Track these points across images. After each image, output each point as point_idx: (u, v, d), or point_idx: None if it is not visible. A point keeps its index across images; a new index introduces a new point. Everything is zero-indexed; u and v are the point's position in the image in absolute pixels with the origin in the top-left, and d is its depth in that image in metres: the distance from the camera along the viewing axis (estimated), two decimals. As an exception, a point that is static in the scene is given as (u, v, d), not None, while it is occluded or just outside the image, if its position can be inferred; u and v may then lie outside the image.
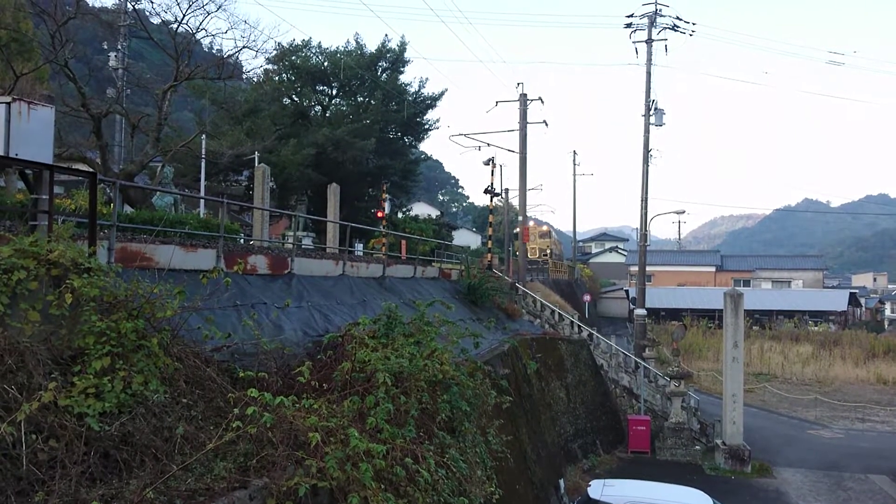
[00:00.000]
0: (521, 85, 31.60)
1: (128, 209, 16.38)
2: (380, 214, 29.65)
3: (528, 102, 31.33)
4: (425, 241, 28.93)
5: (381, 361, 7.82)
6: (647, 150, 31.59)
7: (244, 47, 20.54)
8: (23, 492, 4.51)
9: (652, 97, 31.83)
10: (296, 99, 36.99)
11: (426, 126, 40.37)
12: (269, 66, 34.04)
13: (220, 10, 24.00)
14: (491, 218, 32.89)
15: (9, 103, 7.03)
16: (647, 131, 31.65)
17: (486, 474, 8.59)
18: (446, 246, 33.95)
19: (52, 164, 7.51)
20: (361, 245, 27.62)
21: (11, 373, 5.16)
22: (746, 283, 67.12)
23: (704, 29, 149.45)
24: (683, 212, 53.33)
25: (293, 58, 35.62)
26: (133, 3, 23.91)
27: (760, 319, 54.01)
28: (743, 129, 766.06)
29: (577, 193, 76.44)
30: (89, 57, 25.82)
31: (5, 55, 17.12)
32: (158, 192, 17.96)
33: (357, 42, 37.97)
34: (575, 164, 61.55)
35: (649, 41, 32.01)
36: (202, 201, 27.06)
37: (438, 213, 62.89)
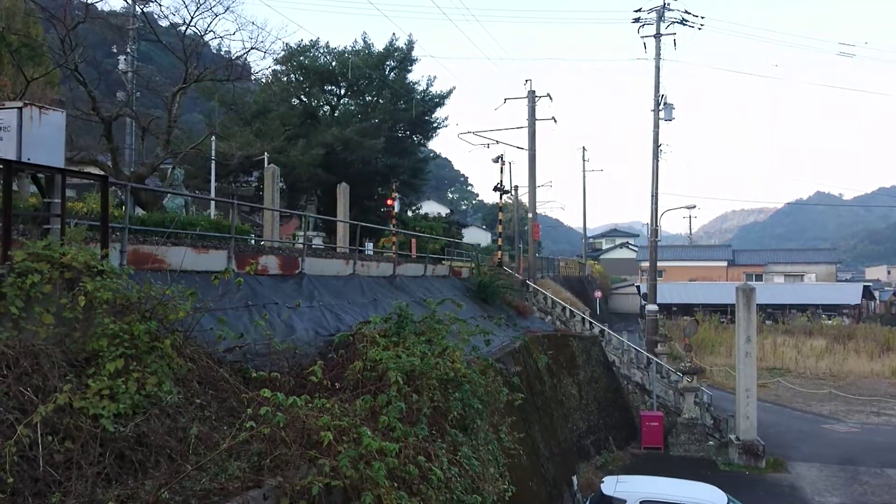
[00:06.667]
0: (529, 82, 31.60)
1: (139, 211, 16.48)
2: (389, 202, 29.68)
3: (537, 99, 31.27)
4: (435, 240, 28.92)
5: (392, 360, 7.84)
6: (656, 146, 31.43)
7: (252, 49, 20.61)
8: (40, 493, 4.56)
9: (661, 92, 31.65)
10: (304, 99, 37.06)
11: (435, 124, 40.35)
12: (278, 67, 34.21)
13: (227, 11, 24.05)
14: (501, 215, 32.89)
15: (20, 108, 7.08)
16: (656, 126, 31.49)
17: (499, 472, 8.59)
18: (456, 244, 33.93)
19: (63, 167, 7.56)
20: (371, 244, 27.65)
21: (27, 375, 5.21)
22: (758, 278, 66.68)
23: (713, 22, 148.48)
24: (694, 207, 53.31)
25: (301, 58, 35.68)
26: (142, 7, 24.03)
27: (773, 314, 53.66)
28: (753, 123, 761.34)
29: (587, 189, 76.30)
30: (99, 61, 25.97)
31: (16, 60, 17.26)
32: (169, 195, 18.06)
33: (365, 41, 38.01)
34: (584, 161, 61.51)
35: (657, 36, 31.83)
36: (213, 203, 27.19)
37: (448, 211, 62.88)
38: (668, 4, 31.85)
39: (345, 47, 37.59)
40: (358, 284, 14.79)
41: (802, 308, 55.65)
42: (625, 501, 12.17)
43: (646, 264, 39.60)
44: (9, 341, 5.35)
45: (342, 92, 37.91)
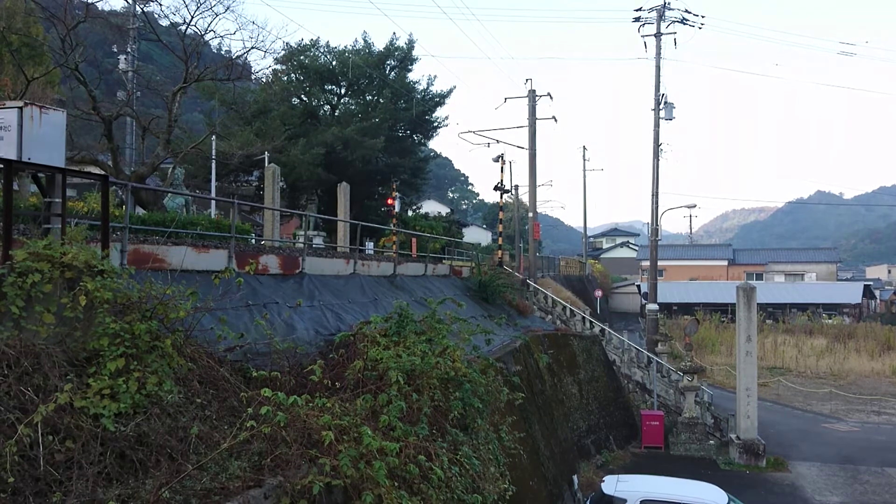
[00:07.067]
0: (529, 81, 31.60)
1: (140, 211, 16.48)
2: (389, 201, 29.68)
3: (537, 98, 31.27)
4: (436, 239, 28.92)
5: (392, 359, 7.84)
6: (657, 145, 31.42)
7: (252, 48, 20.74)
8: (41, 492, 4.56)
9: (661, 91, 31.64)
10: (305, 99, 37.05)
11: (435, 124, 40.32)
12: (278, 67, 34.13)
13: (227, 11, 24.13)
14: (501, 215, 32.87)
15: (21, 107, 7.09)
16: (657, 125, 31.48)
17: (500, 471, 8.58)
18: (457, 243, 33.94)
19: (64, 167, 7.56)
20: (372, 244, 27.65)
21: (28, 375, 5.22)
22: (759, 277, 66.69)
23: (714, 21, 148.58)
24: (694, 206, 53.43)
25: (301, 58, 35.67)
26: (142, 6, 24.04)
27: (774, 313, 53.70)
28: (754, 122, 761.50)
29: (588, 189, 76.28)
30: (99, 60, 26.00)
31: (17, 60, 17.28)
32: (170, 194, 18.05)
33: (365, 41, 37.99)
34: (585, 160, 61.44)
35: (658, 35, 31.82)
36: (213, 202, 27.20)
37: (448, 210, 62.86)
38: (669, 4, 31.85)
39: (345, 47, 37.60)
40: (358, 284, 14.79)
41: (803, 307, 55.68)
42: (625, 501, 12.18)
43: (646, 263, 39.61)
44: (9, 341, 5.35)
45: (342, 91, 37.89)
